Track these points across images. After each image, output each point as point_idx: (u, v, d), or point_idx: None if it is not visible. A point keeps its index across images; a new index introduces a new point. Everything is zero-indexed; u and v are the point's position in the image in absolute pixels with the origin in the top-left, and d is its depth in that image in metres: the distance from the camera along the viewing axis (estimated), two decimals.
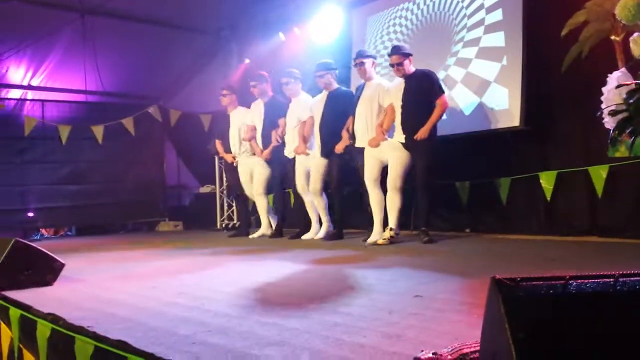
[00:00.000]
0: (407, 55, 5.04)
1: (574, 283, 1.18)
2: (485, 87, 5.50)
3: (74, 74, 8.26)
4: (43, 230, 8.70)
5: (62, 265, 3.49)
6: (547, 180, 5.04)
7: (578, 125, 4.89)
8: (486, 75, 5.51)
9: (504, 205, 5.38)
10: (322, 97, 5.87)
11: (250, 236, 6.71)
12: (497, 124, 5.38)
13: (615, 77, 2.70)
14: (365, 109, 5.32)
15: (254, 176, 6.65)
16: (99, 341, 2.01)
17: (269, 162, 6.48)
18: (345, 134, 5.56)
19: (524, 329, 1.09)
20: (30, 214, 8.31)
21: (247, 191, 6.77)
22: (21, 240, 3.43)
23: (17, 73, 8.20)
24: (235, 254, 4.84)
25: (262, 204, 6.66)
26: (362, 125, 5.33)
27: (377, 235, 5.10)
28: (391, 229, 4.98)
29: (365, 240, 5.15)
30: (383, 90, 5.31)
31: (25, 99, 8.46)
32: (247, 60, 8.47)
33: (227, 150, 6.93)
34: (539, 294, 1.17)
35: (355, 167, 5.46)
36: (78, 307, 2.68)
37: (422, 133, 4.86)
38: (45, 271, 3.40)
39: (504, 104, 5.33)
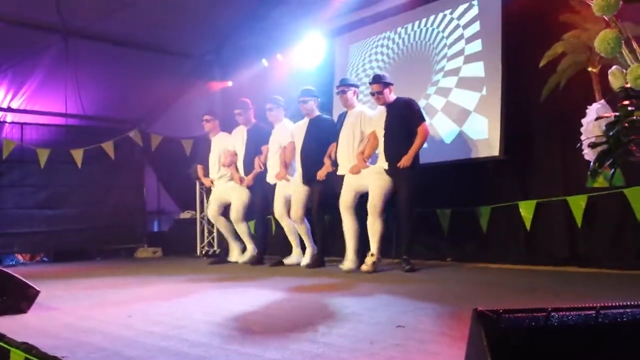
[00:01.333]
0: (387, 85, 5.12)
1: (556, 315, 1.18)
2: (465, 116, 5.57)
3: (54, 96, 8.17)
4: (19, 256, 8.50)
5: (37, 292, 3.40)
6: (526, 210, 5.08)
7: (557, 154, 4.95)
8: (466, 104, 5.58)
9: (484, 233, 5.40)
10: (304, 123, 5.91)
11: (234, 259, 6.74)
12: (477, 153, 5.43)
13: (594, 109, 2.74)
14: (348, 137, 5.38)
15: (232, 202, 6.62)
16: None
17: (250, 188, 6.46)
18: (327, 161, 5.60)
19: None
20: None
21: (210, 214, 6.90)
22: None
23: None
24: (215, 282, 4.78)
25: (242, 230, 6.61)
26: (344, 153, 5.38)
27: (350, 262, 5.13)
28: (372, 255, 4.96)
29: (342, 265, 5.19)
30: (365, 118, 5.38)
31: (4, 122, 8.34)
32: (229, 83, 8.51)
33: (207, 175, 6.93)
34: (521, 326, 1.17)
35: (336, 195, 5.44)
36: (53, 336, 2.62)
37: (405, 161, 4.90)
38: (20, 298, 3.31)
39: (484, 133, 5.39)
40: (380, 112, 5.24)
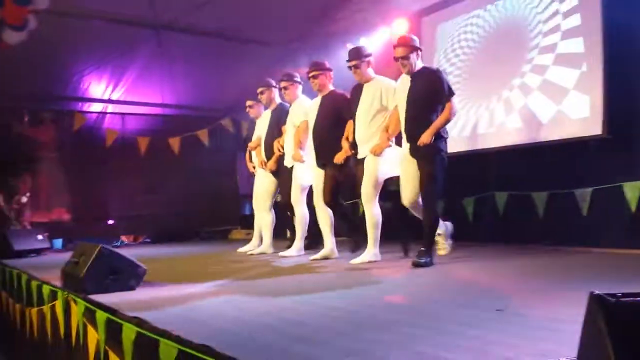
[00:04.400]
0: (416, 49, 4.32)
1: None
2: (564, 94, 5.31)
3: (151, 88, 8.60)
4: (123, 237, 9.09)
5: (145, 270, 3.63)
6: (631, 191, 4.79)
7: None
8: (564, 82, 5.31)
9: (584, 217, 5.15)
10: (316, 101, 5.23)
11: (239, 250, 6.20)
12: (577, 133, 5.17)
13: None
14: (366, 113, 4.66)
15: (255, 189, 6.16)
16: (183, 345, 2.07)
17: (274, 174, 5.84)
18: (345, 144, 4.86)
19: (628, 348, 1.03)
20: (111, 222, 8.73)
21: (254, 204, 6.15)
22: (106, 246, 3.59)
23: (98, 88, 8.61)
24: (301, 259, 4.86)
25: (265, 221, 5.96)
26: (363, 132, 4.66)
27: (367, 255, 4.56)
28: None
29: (352, 251, 4.87)
30: (388, 89, 4.61)
31: (106, 112, 8.89)
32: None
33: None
34: None
35: (357, 183, 4.73)
36: (161, 311, 2.77)
37: (425, 137, 4.14)
38: (129, 276, 3.55)
39: (585, 112, 5.12)
40: (403, 82, 4.43)
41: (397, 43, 4.36)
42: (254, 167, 6.27)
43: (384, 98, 4.59)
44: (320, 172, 5.07)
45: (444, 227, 4.64)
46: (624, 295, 1.13)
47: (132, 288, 3.52)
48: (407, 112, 4.30)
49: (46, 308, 3.99)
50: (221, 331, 2.30)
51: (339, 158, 4.83)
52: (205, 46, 8.16)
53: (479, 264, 4.34)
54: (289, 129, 5.55)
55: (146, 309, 2.79)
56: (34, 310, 4.37)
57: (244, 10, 7.55)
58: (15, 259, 6.34)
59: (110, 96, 8.77)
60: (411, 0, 6.98)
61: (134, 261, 3.60)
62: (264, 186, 5.99)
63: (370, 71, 4.75)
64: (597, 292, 1.13)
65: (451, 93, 4.23)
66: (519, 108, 5.72)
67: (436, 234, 4.51)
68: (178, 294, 3.38)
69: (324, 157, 5.00)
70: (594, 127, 5.02)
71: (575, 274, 3.65)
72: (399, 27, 7.19)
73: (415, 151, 4.25)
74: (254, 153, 6.25)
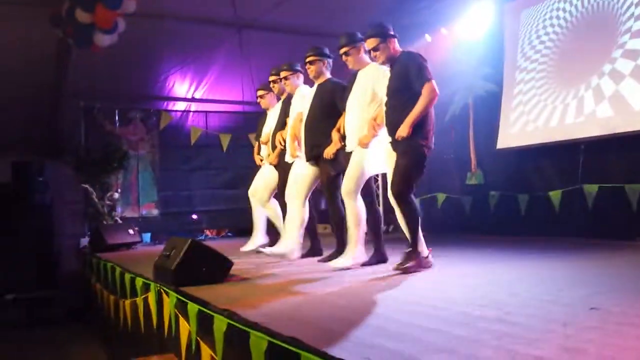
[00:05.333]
0: (386, 37, 3.95)
1: None
2: None
3: (232, 85, 8.83)
4: (207, 231, 9.42)
5: (232, 263, 3.75)
6: None
7: None
8: None
9: None
10: (312, 90, 4.83)
11: (242, 249, 5.88)
12: None
13: None
14: (357, 102, 4.25)
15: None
16: (273, 337, 2.12)
17: (277, 167, 5.45)
18: (335, 135, 4.47)
19: None
20: (195, 216, 9.06)
21: (252, 198, 5.88)
22: (196, 240, 3.73)
23: (182, 87, 8.96)
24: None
25: (266, 214, 5.76)
26: (353, 123, 4.26)
27: (346, 258, 4.13)
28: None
29: (327, 259, 4.46)
30: (381, 76, 4.14)
31: (190, 111, 9.23)
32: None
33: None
34: None
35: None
36: (249, 304, 2.85)
37: (401, 130, 3.73)
38: (217, 269, 3.68)
39: None
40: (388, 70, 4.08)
41: (366, 35, 4.03)
42: (261, 160, 5.88)
43: (377, 85, 4.15)
44: (303, 166, 4.75)
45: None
46: None
47: (220, 281, 3.64)
48: (387, 103, 3.96)
49: (139, 300, 4.18)
50: (312, 324, 2.34)
51: (328, 152, 4.46)
52: (284, 43, 8.27)
53: (566, 259, 4.16)
54: (289, 121, 5.18)
55: (235, 302, 2.88)
56: (128, 301, 4.57)
57: (321, 6, 7.61)
58: (108, 252, 6.67)
59: (193, 95, 9.10)
60: None
61: (221, 254, 3.73)
62: (264, 179, 5.70)
63: (364, 57, 4.30)
64: None
65: (426, 77, 3.76)
66: (609, 96, 5.43)
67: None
68: (265, 288, 3.47)
69: (314, 151, 4.62)
70: None
71: None
72: (480, 15, 7.01)
73: (395, 145, 3.87)
74: (264, 147, 5.84)
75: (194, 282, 3.50)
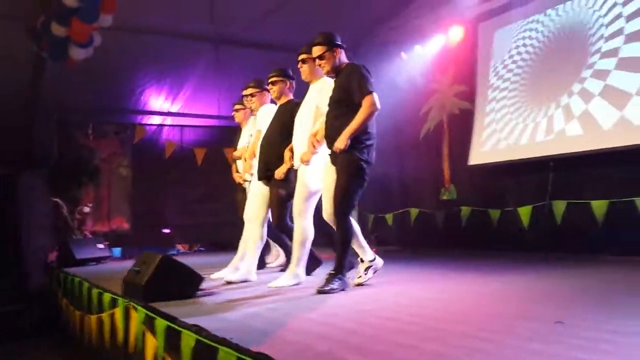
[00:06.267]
0: (333, 47, 3.86)
1: None
2: (627, 100, 5.12)
3: (207, 100, 8.80)
4: (179, 246, 9.30)
5: (202, 278, 3.70)
6: None
7: None
8: (627, 87, 5.13)
9: None
10: (273, 110, 4.75)
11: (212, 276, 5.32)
12: None
13: None
14: (304, 118, 4.13)
15: None
16: (242, 353, 2.09)
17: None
18: (287, 154, 4.31)
19: None
20: (167, 231, 8.95)
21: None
22: (167, 255, 3.67)
23: (158, 101, 8.89)
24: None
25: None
26: (300, 139, 4.14)
27: (285, 278, 4.03)
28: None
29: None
30: (327, 89, 3.98)
31: (165, 125, 9.16)
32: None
33: None
34: None
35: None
36: (219, 319, 2.81)
37: (338, 142, 3.63)
38: (188, 285, 3.62)
39: None
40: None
41: (313, 42, 3.93)
42: (242, 179, 5.60)
43: (321, 100, 4.01)
44: (257, 185, 4.64)
45: (372, 257, 3.99)
46: None
47: (189, 296, 3.59)
48: (327, 114, 3.85)
49: (105, 315, 4.09)
50: (279, 340, 2.32)
51: (278, 172, 4.32)
52: (261, 58, 8.29)
53: (536, 274, 4.21)
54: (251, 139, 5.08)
55: (204, 317, 2.84)
56: (94, 317, 4.47)
57: (299, 23, 7.64)
58: (76, 267, 6.52)
59: (169, 109, 9.03)
60: (467, 7, 6.91)
61: (191, 269, 3.68)
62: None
63: (319, 70, 4.04)
64: None
65: (366, 90, 3.64)
66: (578, 115, 5.55)
67: (359, 260, 3.99)
68: (235, 302, 3.43)
69: (266, 171, 4.47)
70: None
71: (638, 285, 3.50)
72: (455, 34, 7.14)
73: (334, 158, 3.78)
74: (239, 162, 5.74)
75: (165, 297, 3.44)
